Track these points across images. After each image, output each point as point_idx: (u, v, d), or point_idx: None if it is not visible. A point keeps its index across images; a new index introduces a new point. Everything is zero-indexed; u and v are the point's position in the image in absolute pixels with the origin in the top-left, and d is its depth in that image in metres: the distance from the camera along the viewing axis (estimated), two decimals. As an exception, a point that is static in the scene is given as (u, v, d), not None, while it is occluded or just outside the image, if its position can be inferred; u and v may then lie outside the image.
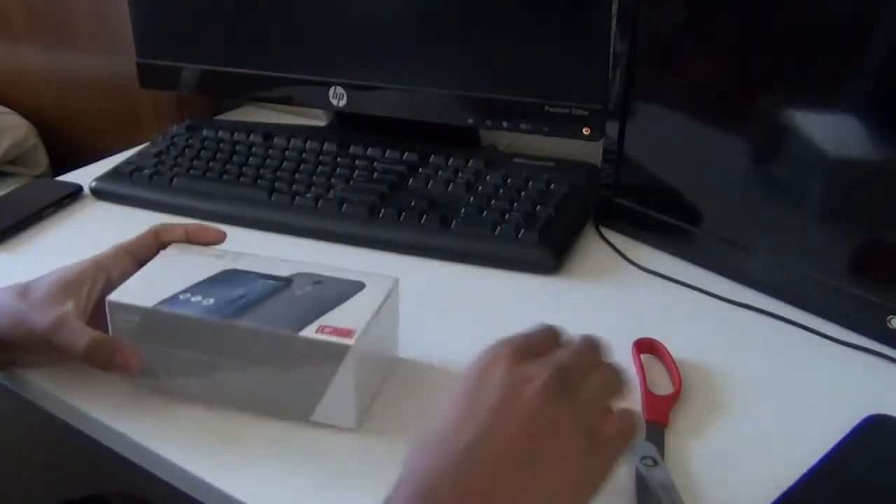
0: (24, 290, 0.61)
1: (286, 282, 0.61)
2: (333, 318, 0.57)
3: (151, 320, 0.59)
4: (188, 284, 0.60)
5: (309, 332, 0.56)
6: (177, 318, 0.58)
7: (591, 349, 0.49)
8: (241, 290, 0.60)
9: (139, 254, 0.65)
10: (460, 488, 0.41)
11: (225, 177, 0.90)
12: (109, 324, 0.60)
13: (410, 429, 0.59)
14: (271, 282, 0.61)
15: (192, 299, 0.59)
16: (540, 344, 0.48)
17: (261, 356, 0.57)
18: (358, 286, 0.61)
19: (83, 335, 0.58)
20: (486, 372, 0.46)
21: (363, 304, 0.59)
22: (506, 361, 0.46)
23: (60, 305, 0.59)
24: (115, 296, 0.59)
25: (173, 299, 0.59)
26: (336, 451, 0.57)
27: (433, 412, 0.46)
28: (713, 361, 0.65)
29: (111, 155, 1.02)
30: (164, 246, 0.66)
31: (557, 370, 0.45)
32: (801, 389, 0.62)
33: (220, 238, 0.68)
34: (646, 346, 0.65)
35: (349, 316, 0.57)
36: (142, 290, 0.60)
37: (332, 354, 0.55)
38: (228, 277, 0.62)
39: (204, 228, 0.68)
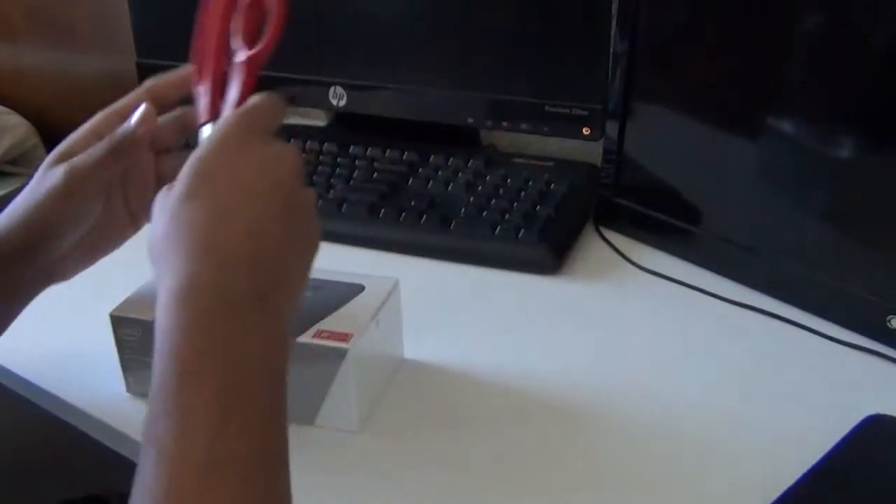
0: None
1: None
2: (331, 322, 0.57)
3: (153, 333, 0.59)
4: None
5: (307, 337, 0.56)
6: None
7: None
8: None
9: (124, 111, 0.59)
10: (241, 289, 0.42)
11: (225, 177, 0.90)
12: (113, 338, 0.60)
13: (413, 431, 0.59)
14: None
15: None
16: (261, 119, 0.48)
17: None
18: (357, 289, 0.61)
19: (95, 149, 0.56)
20: (232, 156, 0.45)
21: (362, 307, 0.59)
22: (249, 144, 0.46)
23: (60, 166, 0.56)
24: (118, 311, 0.60)
25: None
26: (338, 451, 0.57)
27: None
28: (713, 361, 0.65)
29: (111, 155, 1.02)
30: (158, 104, 0.60)
31: (298, 154, 0.47)
32: (801, 389, 0.62)
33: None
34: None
35: (347, 319, 0.57)
36: (144, 303, 0.60)
37: (331, 359, 0.55)
38: None
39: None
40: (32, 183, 0.57)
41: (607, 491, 0.54)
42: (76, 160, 0.56)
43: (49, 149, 1.44)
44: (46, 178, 0.56)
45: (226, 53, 0.52)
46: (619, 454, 0.56)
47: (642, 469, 0.55)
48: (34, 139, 1.28)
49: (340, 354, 0.55)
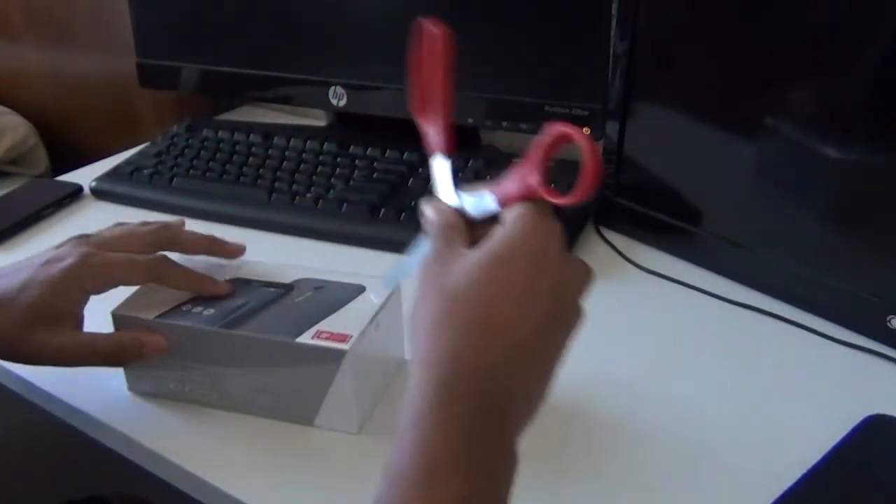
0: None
1: (288, 288, 0.61)
2: (331, 323, 0.57)
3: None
4: (191, 295, 0.60)
5: (306, 338, 0.56)
6: (178, 329, 0.58)
7: None
8: (242, 300, 0.60)
9: (126, 282, 0.61)
10: (501, 400, 0.40)
11: (225, 177, 0.90)
12: None
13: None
14: (272, 289, 0.61)
15: (194, 310, 0.59)
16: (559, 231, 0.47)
17: (261, 364, 0.58)
18: (358, 290, 0.61)
19: (97, 345, 0.58)
20: (542, 255, 0.44)
21: (362, 308, 0.59)
22: (558, 246, 0.44)
23: (54, 329, 0.57)
24: (119, 309, 0.60)
25: (175, 311, 0.59)
26: (337, 452, 0.57)
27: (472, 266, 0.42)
28: (712, 361, 0.65)
29: (111, 155, 1.02)
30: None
31: (589, 275, 0.45)
32: (801, 389, 0.62)
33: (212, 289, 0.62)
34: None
35: (347, 320, 0.57)
36: (145, 302, 0.60)
37: (329, 360, 0.55)
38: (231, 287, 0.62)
39: (203, 284, 0.62)
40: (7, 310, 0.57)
41: (606, 489, 0.54)
42: (74, 357, 0.58)
43: (49, 149, 1.43)
44: (39, 335, 0.57)
45: (451, 98, 0.52)
46: (619, 453, 0.56)
47: (641, 468, 0.55)
48: (34, 139, 1.28)
49: (338, 355, 0.55)
